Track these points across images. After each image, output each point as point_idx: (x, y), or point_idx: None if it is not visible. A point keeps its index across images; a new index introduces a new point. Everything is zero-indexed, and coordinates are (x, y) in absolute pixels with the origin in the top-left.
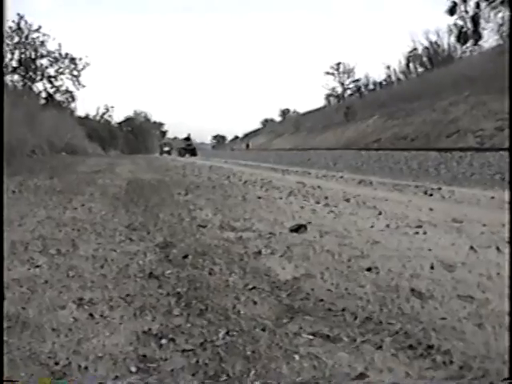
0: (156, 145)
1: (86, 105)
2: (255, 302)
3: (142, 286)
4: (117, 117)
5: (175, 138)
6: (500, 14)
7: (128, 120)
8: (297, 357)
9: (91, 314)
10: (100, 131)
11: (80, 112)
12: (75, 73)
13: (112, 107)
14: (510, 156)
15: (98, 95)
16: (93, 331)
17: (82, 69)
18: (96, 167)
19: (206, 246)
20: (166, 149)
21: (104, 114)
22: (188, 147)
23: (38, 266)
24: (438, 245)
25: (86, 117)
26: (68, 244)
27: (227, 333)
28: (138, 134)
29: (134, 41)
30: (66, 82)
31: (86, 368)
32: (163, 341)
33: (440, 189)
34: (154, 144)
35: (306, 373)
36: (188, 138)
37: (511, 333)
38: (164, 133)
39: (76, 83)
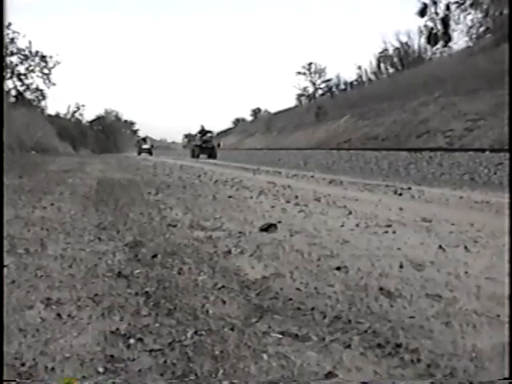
0: (127, 144)
1: (56, 103)
2: (224, 302)
3: (111, 285)
4: (88, 115)
5: (146, 137)
6: (470, 16)
7: (99, 119)
8: (265, 356)
9: (59, 314)
10: (70, 130)
11: (50, 110)
12: (46, 71)
13: (83, 106)
14: (510, 156)
15: (69, 93)
16: (60, 331)
17: (53, 67)
18: (66, 166)
19: (175, 245)
20: (146, 146)
21: (75, 112)
22: (205, 145)
23: (5, 266)
24: (407, 244)
25: (57, 115)
26: (36, 243)
27: (195, 332)
28: (109, 133)
29: (105, 39)
30: (36, 80)
31: (52, 369)
32: (131, 341)
33: (410, 188)
34: (124, 143)
35: (275, 372)
36: (205, 131)
37: (511, 332)
38: (135, 132)
39: (47, 81)
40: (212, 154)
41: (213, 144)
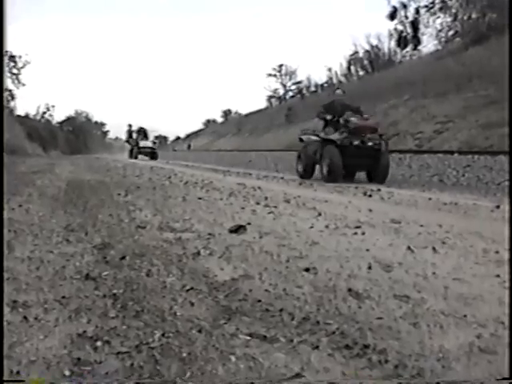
0: (98, 145)
1: (26, 104)
2: (192, 304)
3: (78, 287)
4: (58, 116)
5: (116, 139)
6: (439, 20)
7: (69, 120)
8: (233, 358)
9: (25, 317)
10: (40, 131)
11: (20, 111)
12: (15, 71)
13: (53, 106)
14: (510, 159)
15: (39, 94)
16: (26, 334)
17: (22, 67)
18: (35, 168)
19: (144, 246)
20: (147, 144)
21: (44, 113)
22: (363, 143)
23: None
24: (375, 245)
25: (26, 116)
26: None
27: (163, 335)
28: (79, 134)
29: (74, 39)
30: (5, 80)
31: (17, 372)
32: (98, 343)
33: (379, 190)
34: (95, 144)
35: (242, 374)
36: (356, 109)
37: (511, 333)
38: (105, 133)
39: (16, 81)
40: (381, 171)
41: (384, 144)
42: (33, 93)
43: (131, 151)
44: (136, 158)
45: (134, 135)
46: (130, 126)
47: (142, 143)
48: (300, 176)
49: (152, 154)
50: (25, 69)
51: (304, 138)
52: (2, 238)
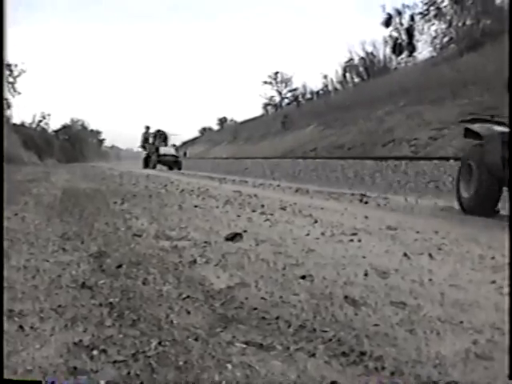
0: (94, 153)
1: (21, 112)
2: (189, 312)
3: (75, 296)
4: (53, 125)
5: (112, 147)
6: (433, 27)
7: (65, 128)
8: (229, 366)
9: (21, 326)
10: (36, 139)
11: (15, 120)
12: (10, 79)
13: (48, 115)
14: (510, 164)
15: (35, 102)
16: (22, 344)
17: (18, 75)
18: (31, 176)
19: (140, 255)
20: (169, 151)
21: (40, 121)
22: None
23: None
24: (372, 252)
25: (22, 124)
26: None
27: (159, 343)
28: (75, 142)
29: (70, 47)
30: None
31: None
32: (94, 352)
33: (376, 197)
34: (91, 152)
35: (239, 382)
36: None
37: (511, 333)
38: (101, 141)
39: (11, 90)
40: None
41: None
42: (28, 101)
43: (147, 159)
44: (154, 167)
45: (151, 139)
46: (147, 128)
47: (163, 150)
48: (463, 206)
49: (175, 164)
50: (20, 77)
51: (479, 129)
52: (2, 247)
